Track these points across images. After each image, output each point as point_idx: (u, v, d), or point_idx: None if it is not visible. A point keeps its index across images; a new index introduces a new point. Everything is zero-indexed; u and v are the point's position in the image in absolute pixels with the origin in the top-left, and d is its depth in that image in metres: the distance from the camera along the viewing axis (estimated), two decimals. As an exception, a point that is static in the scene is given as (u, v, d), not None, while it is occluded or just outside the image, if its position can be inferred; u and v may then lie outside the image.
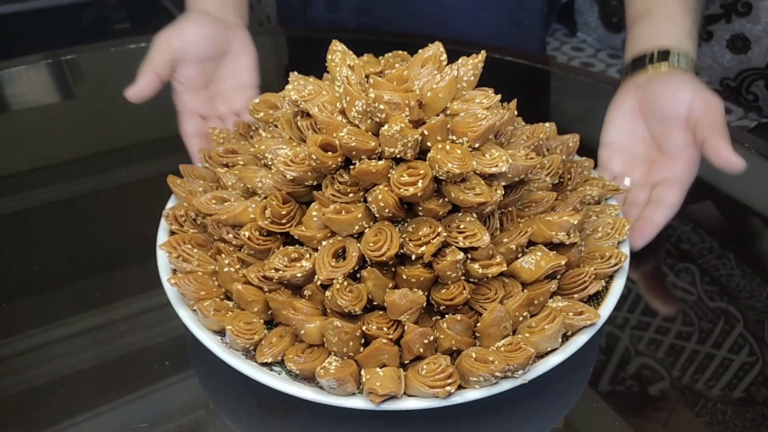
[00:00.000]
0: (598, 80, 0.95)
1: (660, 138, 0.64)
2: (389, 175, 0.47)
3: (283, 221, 0.50)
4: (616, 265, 0.51)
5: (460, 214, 0.49)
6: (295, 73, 0.55)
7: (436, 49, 0.52)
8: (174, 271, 0.52)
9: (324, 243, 0.48)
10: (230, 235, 0.52)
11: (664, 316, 0.58)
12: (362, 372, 0.44)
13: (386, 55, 0.61)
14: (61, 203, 0.73)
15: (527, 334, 0.46)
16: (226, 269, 0.50)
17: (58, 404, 0.49)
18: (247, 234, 0.50)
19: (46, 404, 0.49)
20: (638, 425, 0.49)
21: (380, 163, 0.47)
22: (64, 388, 0.51)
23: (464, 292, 0.47)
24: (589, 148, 0.66)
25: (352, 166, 0.48)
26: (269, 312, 0.49)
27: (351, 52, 0.56)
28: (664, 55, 0.67)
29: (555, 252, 0.51)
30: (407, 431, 0.48)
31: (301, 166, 0.49)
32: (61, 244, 0.66)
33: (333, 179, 0.49)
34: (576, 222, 0.50)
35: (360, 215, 0.47)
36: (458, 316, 0.47)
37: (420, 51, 0.53)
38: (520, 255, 0.50)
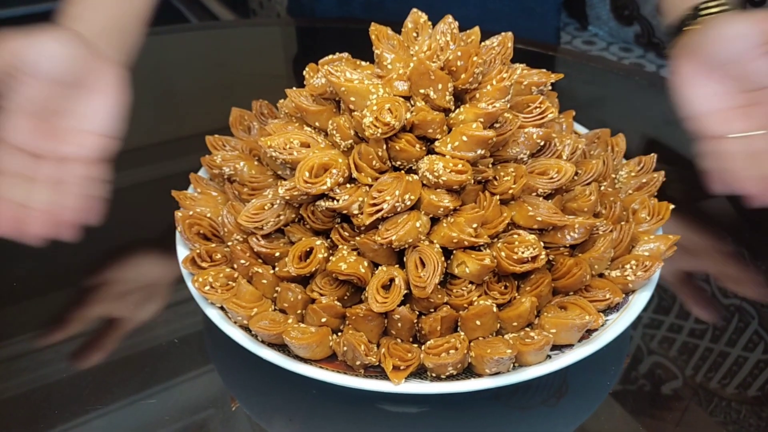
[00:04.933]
0: (611, 67, 0.94)
1: (741, 81, 0.59)
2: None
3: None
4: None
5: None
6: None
7: (414, 18, 0.57)
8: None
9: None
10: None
11: (677, 314, 0.57)
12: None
13: (324, 59, 0.57)
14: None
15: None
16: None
17: (71, 402, 0.50)
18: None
19: (59, 402, 0.50)
20: (651, 425, 0.48)
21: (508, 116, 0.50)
22: (78, 386, 0.51)
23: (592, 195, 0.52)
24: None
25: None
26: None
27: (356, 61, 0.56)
28: (695, 11, 0.63)
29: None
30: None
31: (466, 168, 0.47)
32: (71, 244, 0.66)
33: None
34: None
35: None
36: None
37: (390, 34, 0.55)
38: None
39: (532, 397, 0.48)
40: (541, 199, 0.50)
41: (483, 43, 0.55)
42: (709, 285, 0.60)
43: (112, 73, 0.60)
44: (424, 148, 0.48)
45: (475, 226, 0.47)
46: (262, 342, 0.47)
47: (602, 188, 0.55)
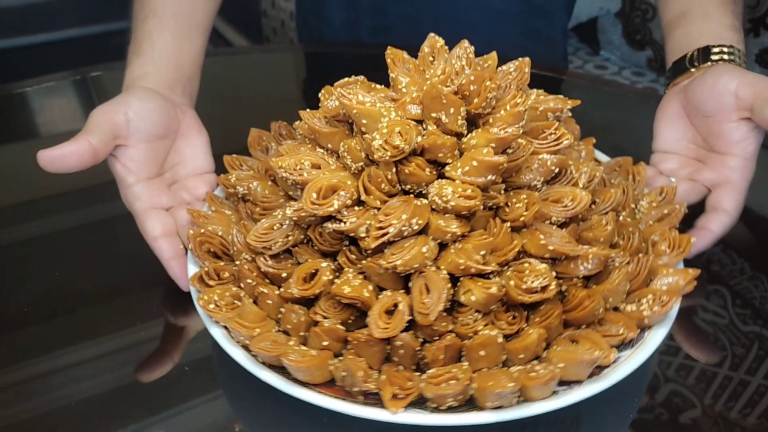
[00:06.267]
0: (625, 91, 0.94)
1: (710, 137, 0.62)
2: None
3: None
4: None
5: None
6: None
7: (431, 43, 0.57)
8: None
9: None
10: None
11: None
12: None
13: (340, 82, 0.57)
14: (82, 228, 0.73)
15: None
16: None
17: (80, 429, 0.49)
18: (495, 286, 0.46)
19: (68, 429, 0.49)
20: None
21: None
22: (87, 414, 0.50)
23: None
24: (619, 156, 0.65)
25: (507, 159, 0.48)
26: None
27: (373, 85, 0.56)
28: (703, 53, 0.65)
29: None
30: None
31: (476, 194, 0.46)
32: (83, 267, 0.67)
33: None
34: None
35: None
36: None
37: (406, 58, 0.55)
38: None
39: None
40: (554, 227, 0.49)
41: (500, 68, 0.55)
42: (728, 312, 0.58)
43: (191, 116, 0.67)
44: (434, 173, 0.48)
45: (483, 253, 0.46)
46: (263, 363, 0.46)
47: (621, 218, 0.54)
